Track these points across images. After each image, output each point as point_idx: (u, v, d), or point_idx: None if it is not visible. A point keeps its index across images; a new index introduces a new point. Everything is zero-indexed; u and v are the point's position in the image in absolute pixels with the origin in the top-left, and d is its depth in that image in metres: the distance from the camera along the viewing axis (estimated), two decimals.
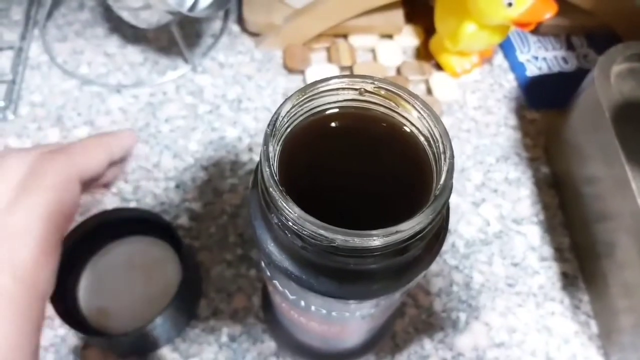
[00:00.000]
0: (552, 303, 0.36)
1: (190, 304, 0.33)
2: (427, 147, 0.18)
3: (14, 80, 0.43)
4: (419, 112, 0.18)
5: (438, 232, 0.19)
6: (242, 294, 0.35)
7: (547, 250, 0.38)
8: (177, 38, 0.43)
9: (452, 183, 0.16)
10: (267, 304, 0.33)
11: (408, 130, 0.19)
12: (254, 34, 0.47)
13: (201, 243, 0.36)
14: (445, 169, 0.16)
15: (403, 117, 0.19)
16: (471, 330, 0.34)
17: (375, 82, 0.18)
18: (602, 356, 0.34)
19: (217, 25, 0.48)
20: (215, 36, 0.47)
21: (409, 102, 0.18)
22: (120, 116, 0.42)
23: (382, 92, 0.18)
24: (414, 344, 0.34)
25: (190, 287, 0.33)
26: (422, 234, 0.16)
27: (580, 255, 0.37)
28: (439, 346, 0.34)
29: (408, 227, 0.15)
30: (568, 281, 0.37)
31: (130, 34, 0.47)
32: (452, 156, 0.17)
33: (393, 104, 0.18)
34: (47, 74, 0.44)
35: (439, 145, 0.17)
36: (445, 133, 0.17)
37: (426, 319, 0.35)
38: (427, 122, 0.17)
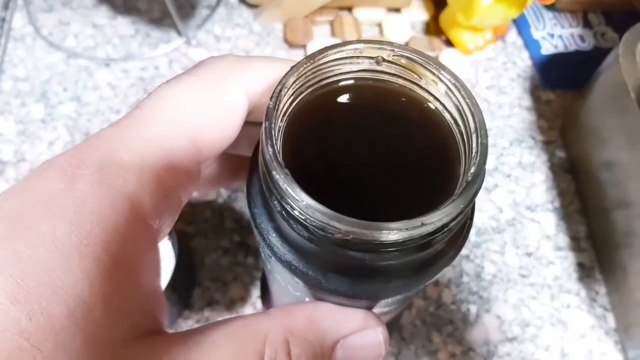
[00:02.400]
0: (568, 295, 0.34)
1: (183, 293, 0.32)
2: (454, 126, 0.16)
3: None
4: (447, 85, 0.15)
5: (464, 224, 0.16)
6: (238, 284, 0.33)
7: (563, 239, 0.36)
8: (170, 9, 0.40)
9: (485, 168, 0.14)
10: (266, 295, 0.31)
11: (432, 106, 0.16)
12: (252, 6, 0.44)
13: (195, 228, 0.34)
14: (478, 151, 0.14)
15: (426, 90, 0.16)
16: (482, 324, 0.32)
17: (396, 50, 0.16)
18: (620, 351, 0.32)
19: None
20: (211, 7, 0.44)
21: (434, 73, 0.15)
22: (109, 92, 0.39)
23: (403, 61, 0.16)
24: (422, 338, 0.32)
25: (183, 276, 0.31)
26: (449, 226, 0.14)
27: (597, 245, 0.36)
28: (448, 340, 0.32)
29: (435, 219, 0.13)
30: (584, 272, 0.35)
31: (120, 4, 0.44)
32: (485, 136, 0.14)
33: (415, 76, 0.16)
34: (31, 46, 0.41)
35: (468, 124, 0.15)
36: (477, 109, 0.15)
37: (435, 312, 0.33)
38: (456, 96, 0.15)
